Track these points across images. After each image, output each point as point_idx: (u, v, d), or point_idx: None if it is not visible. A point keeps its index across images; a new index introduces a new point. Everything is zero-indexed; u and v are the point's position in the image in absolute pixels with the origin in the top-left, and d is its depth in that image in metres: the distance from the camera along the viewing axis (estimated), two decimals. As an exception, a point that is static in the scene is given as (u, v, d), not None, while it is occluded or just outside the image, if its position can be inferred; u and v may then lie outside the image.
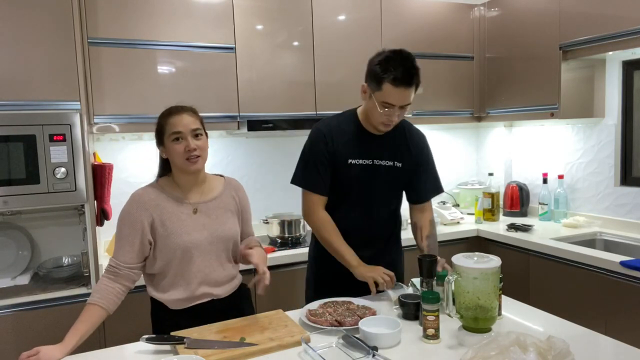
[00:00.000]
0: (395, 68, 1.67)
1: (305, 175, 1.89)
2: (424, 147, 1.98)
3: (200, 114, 1.71)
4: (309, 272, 2.08)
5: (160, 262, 1.65)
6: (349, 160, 1.87)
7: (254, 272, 1.65)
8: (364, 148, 1.88)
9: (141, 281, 1.69)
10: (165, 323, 1.65)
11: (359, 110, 1.92)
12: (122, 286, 1.60)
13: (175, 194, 1.69)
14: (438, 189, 2.02)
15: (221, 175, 1.85)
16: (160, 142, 1.68)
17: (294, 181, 1.93)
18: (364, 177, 1.88)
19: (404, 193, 2.04)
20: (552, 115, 2.79)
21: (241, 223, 1.82)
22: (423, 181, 1.98)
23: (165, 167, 1.72)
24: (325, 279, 1.98)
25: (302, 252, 2.53)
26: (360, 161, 1.87)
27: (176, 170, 1.69)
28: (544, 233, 2.83)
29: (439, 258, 1.71)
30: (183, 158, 1.62)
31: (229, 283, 1.75)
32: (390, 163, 1.90)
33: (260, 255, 1.71)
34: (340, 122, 1.91)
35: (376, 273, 1.74)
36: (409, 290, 1.81)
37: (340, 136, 1.88)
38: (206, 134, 1.71)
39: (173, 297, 1.65)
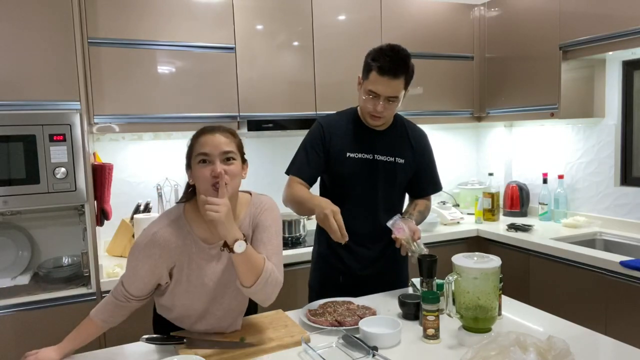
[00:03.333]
0: (383, 58, 1.72)
1: (294, 162, 1.91)
2: (426, 145, 2.00)
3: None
4: (312, 277, 2.06)
5: (170, 300, 1.52)
6: (347, 154, 1.88)
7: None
8: (364, 142, 1.89)
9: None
10: (166, 328, 1.63)
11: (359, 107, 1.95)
12: (127, 312, 1.51)
13: (200, 233, 1.48)
14: (438, 187, 2.06)
15: (249, 192, 1.61)
16: (188, 165, 1.47)
17: (287, 171, 1.92)
18: (365, 171, 1.88)
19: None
20: (552, 115, 2.79)
21: (253, 242, 1.51)
22: (424, 179, 2.01)
23: (190, 194, 1.52)
24: (329, 282, 1.97)
25: (302, 252, 2.53)
26: (360, 155, 1.88)
27: (202, 201, 1.39)
28: (544, 233, 2.82)
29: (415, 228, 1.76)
30: (208, 184, 1.38)
31: (238, 317, 1.57)
32: (392, 159, 1.91)
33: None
34: (341, 117, 1.96)
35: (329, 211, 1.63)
36: (409, 290, 1.81)
37: (338, 130, 1.90)
38: (244, 160, 1.50)
39: (177, 322, 1.57)
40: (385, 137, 1.91)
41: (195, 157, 1.43)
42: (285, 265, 2.51)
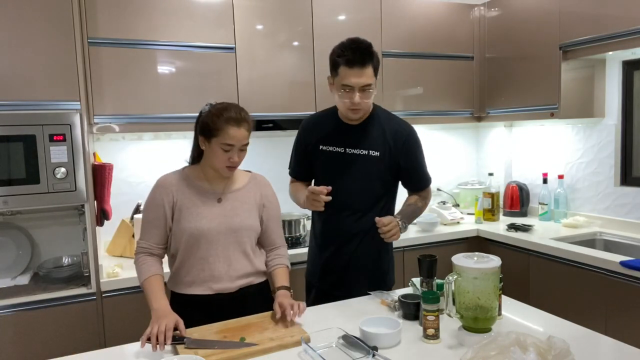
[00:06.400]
0: (348, 51, 1.77)
1: (290, 162, 2.13)
2: (407, 141, 1.93)
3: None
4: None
5: (173, 245, 1.73)
6: (321, 147, 1.96)
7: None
8: (338, 136, 1.95)
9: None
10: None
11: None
12: (159, 259, 1.72)
13: (199, 184, 1.73)
14: (427, 181, 2.04)
15: (249, 171, 1.88)
16: (205, 136, 1.66)
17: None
18: (336, 163, 1.93)
19: (395, 188, 2.03)
20: (552, 115, 2.79)
21: (263, 220, 1.80)
22: (412, 176, 2.00)
23: (199, 155, 1.76)
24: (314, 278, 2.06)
25: (302, 252, 2.52)
26: (331, 148, 1.95)
27: (208, 165, 1.73)
28: (544, 233, 2.82)
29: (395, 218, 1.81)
30: (223, 165, 1.67)
31: (242, 278, 1.73)
32: (365, 152, 1.91)
33: (285, 296, 1.68)
34: (322, 115, 2.05)
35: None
36: (409, 290, 1.81)
37: (318, 126, 2.00)
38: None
39: (180, 283, 1.73)
40: (358, 130, 1.93)
41: (220, 143, 1.63)
42: (285, 265, 2.52)
